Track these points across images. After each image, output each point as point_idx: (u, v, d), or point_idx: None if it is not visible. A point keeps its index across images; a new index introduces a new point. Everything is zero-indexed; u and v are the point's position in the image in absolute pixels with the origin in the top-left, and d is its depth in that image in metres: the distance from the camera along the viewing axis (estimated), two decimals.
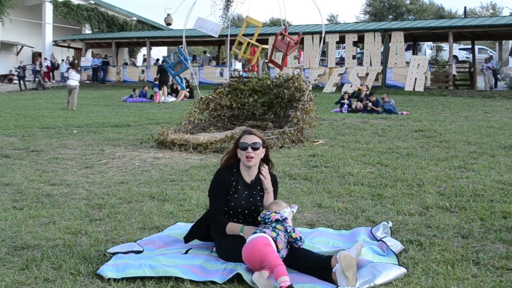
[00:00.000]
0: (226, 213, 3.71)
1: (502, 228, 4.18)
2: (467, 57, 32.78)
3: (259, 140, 3.72)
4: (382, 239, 3.77)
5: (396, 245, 3.71)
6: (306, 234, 4.06)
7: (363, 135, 9.72)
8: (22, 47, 34.94)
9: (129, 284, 3.19)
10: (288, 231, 3.42)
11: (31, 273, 3.35)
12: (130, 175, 6.63)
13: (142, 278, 3.23)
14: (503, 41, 30.27)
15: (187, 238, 3.88)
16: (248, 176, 3.76)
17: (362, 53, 27.47)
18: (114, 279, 3.21)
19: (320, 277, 3.25)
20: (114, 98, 22.02)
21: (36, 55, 34.46)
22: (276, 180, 3.88)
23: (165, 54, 27.88)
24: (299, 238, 3.41)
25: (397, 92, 21.87)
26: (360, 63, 25.80)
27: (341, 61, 27.55)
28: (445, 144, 8.43)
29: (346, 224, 4.44)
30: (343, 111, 16.07)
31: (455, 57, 31.83)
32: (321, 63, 26.42)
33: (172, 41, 32.37)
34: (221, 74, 27.74)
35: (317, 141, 8.96)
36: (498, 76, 25.45)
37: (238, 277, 3.23)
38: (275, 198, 3.79)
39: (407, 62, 24.00)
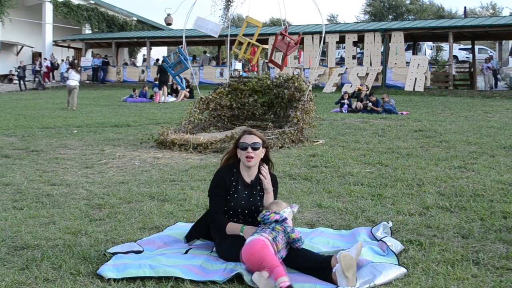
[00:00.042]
0: (226, 213, 3.71)
1: (502, 228, 4.18)
2: (467, 57, 32.78)
3: (259, 140, 3.72)
4: (382, 239, 3.77)
5: (396, 245, 3.71)
6: (306, 234, 4.06)
7: (363, 135, 9.72)
8: (22, 47, 34.95)
9: (129, 284, 3.19)
10: (287, 231, 3.41)
11: (31, 273, 3.35)
12: (130, 175, 6.63)
13: (142, 278, 3.23)
14: (503, 41, 30.27)
15: (188, 238, 3.89)
16: (248, 176, 3.76)
17: (362, 53, 27.47)
18: (114, 279, 3.21)
19: (320, 277, 3.25)
20: (114, 98, 22.02)
21: (36, 55, 34.46)
22: (276, 180, 3.87)
23: (165, 54, 27.88)
24: (298, 239, 3.40)
25: (397, 92, 21.87)
26: (360, 63, 25.81)
27: (341, 61, 27.55)
28: (445, 144, 8.43)
29: (346, 224, 4.44)
30: (343, 111, 16.07)
31: (455, 57, 31.84)
32: (321, 63, 26.42)
33: (172, 41, 32.37)
34: (221, 74, 27.74)
35: (317, 141, 8.96)
36: (498, 76, 25.45)
37: (238, 277, 3.23)
38: (275, 198, 3.79)
39: (407, 62, 24.00)
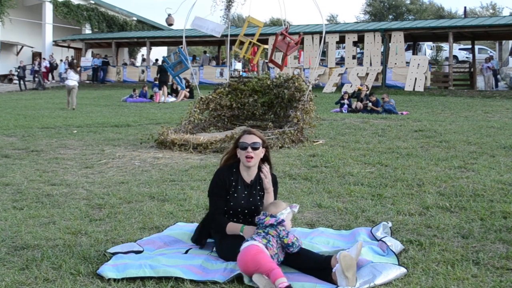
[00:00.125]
0: (226, 213, 3.71)
1: (502, 228, 4.18)
2: (467, 57, 32.78)
3: (259, 140, 3.72)
4: (382, 239, 3.77)
5: (396, 245, 3.71)
6: (306, 234, 4.06)
7: (363, 135, 9.72)
8: (22, 47, 34.94)
9: (129, 284, 3.19)
10: (281, 236, 3.36)
11: (31, 273, 3.35)
12: (130, 175, 6.63)
13: (142, 278, 3.23)
14: (503, 41, 30.26)
15: (198, 240, 3.86)
16: (248, 176, 3.76)
17: (362, 53, 27.47)
18: (114, 279, 3.21)
19: (320, 277, 3.25)
20: (114, 98, 22.02)
21: (36, 55, 34.46)
22: (276, 180, 3.87)
23: (165, 54, 27.88)
24: (291, 244, 3.34)
25: (397, 92, 21.87)
26: (360, 63, 25.80)
27: (341, 61, 27.55)
28: (445, 144, 8.43)
29: (346, 224, 4.44)
30: (343, 111, 16.07)
31: (455, 57, 31.84)
32: (321, 63, 26.41)
33: (172, 41, 32.37)
34: (221, 74, 27.74)
35: (317, 141, 8.96)
36: (498, 76, 25.44)
37: (238, 277, 3.23)
38: (275, 198, 3.79)
39: (407, 62, 24.00)
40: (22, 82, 29.10)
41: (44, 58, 33.41)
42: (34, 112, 15.92)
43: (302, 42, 23.78)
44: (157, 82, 22.03)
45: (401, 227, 4.28)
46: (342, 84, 23.87)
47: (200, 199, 5.25)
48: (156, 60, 32.89)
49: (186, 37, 12.80)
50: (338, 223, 4.47)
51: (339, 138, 9.40)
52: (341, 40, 26.35)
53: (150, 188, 5.86)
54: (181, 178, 6.33)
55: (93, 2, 36.25)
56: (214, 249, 3.71)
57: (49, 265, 3.49)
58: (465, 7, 36.96)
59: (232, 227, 3.62)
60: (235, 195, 3.70)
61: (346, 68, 24.81)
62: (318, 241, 3.90)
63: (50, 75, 33.46)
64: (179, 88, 20.79)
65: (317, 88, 23.52)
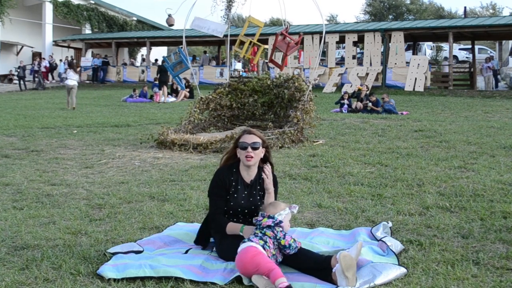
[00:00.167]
0: (226, 213, 3.71)
1: (502, 228, 4.18)
2: (467, 57, 32.77)
3: (259, 140, 3.72)
4: (382, 239, 3.76)
5: (396, 245, 3.71)
6: (306, 234, 4.06)
7: (363, 135, 9.72)
8: (22, 47, 34.95)
9: (129, 284, 3.19)
10: (278, 237, 3.35)
11: (31, 273, 3.35)
12: (130, 175, 6.63)
13: (142, 278, 3.22)
14: (503, 41, 30.26)
15: (201, 241, 3.86)
16: (248, 176, 3.76)
17: (362, 53, 27.47)
18: (114, 279, 3.21)
19: (320, 277, 3.24)
20: (114, 98, 22.02)
21: (36, 55, 34.47)
22: (276, 180, 3.87)
23: (165, 54, 27.89)
24: (288, 246, 3.33)
25: (397, 92, 21.87)
26: (360, 63, 25.80)
27: (341, 61, 27.55)
28: (445, 144, 8.43)
29: (346, 224, 4.44)
30: (343, 111, 16.07)
31: (455, 57, 31.83)
32: (321, 63, 26.41)
33: (172, 41, 32.38)
34: (221, 74, 27.74)
35: (317, 141, 8.96)
36: (498, 76, 25.44)
37: (238, 277, 3.23)
38: (275, 198, 3.79)
39: (407, 62, 24.00)
40: (22, 82, 29.11)
41: (43, 58, 33.41)
42: (34, 112, 15.92)
43: (302, 42, 23.76)
44: (157, 82, 22.03)
45: (401, 227, 4.28)
46: (342, 84, 23.87)
47: (200, 199, 5.25)
48: (156, 60, 32.90)
49: (186, 37, 12.80)
50: (338, 223, 4.47)
51: (339, 138, 9.40)
52: (341, 40, 26.35)
53: (150, 188, 5.86)
54: (181, 178, 6.33)
55: (93, 2, 36.26)
56: (214, 249, 3.72)
57: (49, 265, 3.49)
58: (465, 7, 37.00)
59: (232, 227, 3.62)
60: (235, 195, 3.70)
61: (346, 68, 24.81)
62: (318, 241, 3.90)
63: (49, 75, 33.47)
64: (179, 88, 20.79)
65: (317, 88, 23.52)
